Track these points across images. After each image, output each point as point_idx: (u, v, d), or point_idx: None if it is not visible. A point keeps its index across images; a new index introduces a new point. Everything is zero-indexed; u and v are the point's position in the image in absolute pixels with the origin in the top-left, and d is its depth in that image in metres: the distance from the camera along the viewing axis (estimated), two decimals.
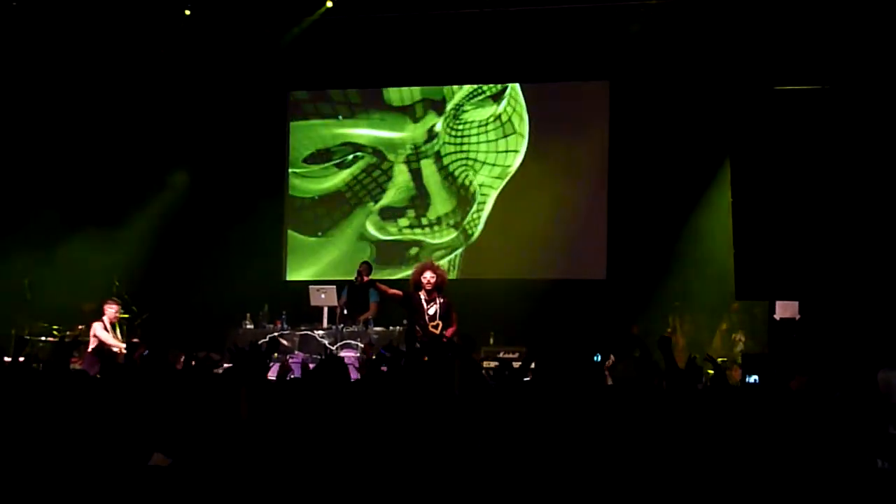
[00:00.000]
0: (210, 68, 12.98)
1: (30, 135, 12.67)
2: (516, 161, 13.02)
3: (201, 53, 12.86)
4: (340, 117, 13.56)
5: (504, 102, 13.15)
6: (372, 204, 13.44)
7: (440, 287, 9.62)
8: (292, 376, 6.85)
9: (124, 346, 10.25)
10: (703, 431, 4.35)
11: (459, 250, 13.16)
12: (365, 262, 11.01)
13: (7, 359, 8.45)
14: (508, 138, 13.08)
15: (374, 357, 6.28)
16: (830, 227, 10.53)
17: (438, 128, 13.28)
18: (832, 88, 10.83)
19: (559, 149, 12.75)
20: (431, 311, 9.50)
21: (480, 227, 13.15)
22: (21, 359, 6.20)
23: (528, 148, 12.97)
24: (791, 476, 3.91)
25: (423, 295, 9.63)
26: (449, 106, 13.27)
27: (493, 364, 10.47)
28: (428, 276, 9.58)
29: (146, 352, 6.68)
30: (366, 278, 10.46)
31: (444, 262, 12.76)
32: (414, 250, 13.25)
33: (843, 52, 10.93)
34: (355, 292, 11.06)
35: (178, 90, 12.99)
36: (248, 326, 11.78)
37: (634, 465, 3.87)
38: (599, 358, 6.49)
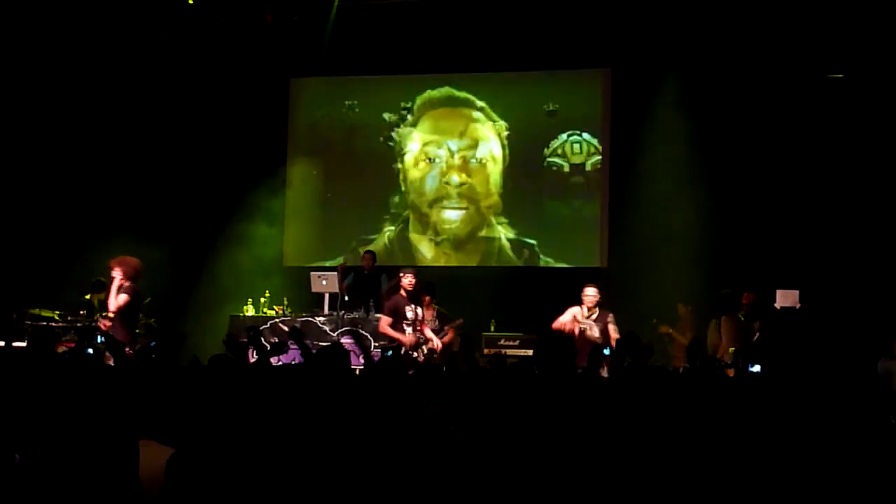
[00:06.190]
0: (212, 53, 12.93)
1: (24, 125, 12.60)
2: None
3: (204, 39, 12.81)
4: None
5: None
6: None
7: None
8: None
9: None
10: (704, 419, 4.36)
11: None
12: (369, 251, 11.47)
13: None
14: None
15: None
16: (835, 216, 10.58)
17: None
18: (847, 78, 10.89)
19: (560, 136, 12.73)
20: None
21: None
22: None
23: (528, 135, 12.94)
24: (791, 466, 3.92)
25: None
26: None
27: (492, 351, 10.47)
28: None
29: (152, 343, 6.62)
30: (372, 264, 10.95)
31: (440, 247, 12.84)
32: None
33: (858, 42, 10.97)
34: (362, 280, 11.10)
35: (179, 75, 12.97)
36: (249, 313, 11.79)
37: (637, 453, 3.88)
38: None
